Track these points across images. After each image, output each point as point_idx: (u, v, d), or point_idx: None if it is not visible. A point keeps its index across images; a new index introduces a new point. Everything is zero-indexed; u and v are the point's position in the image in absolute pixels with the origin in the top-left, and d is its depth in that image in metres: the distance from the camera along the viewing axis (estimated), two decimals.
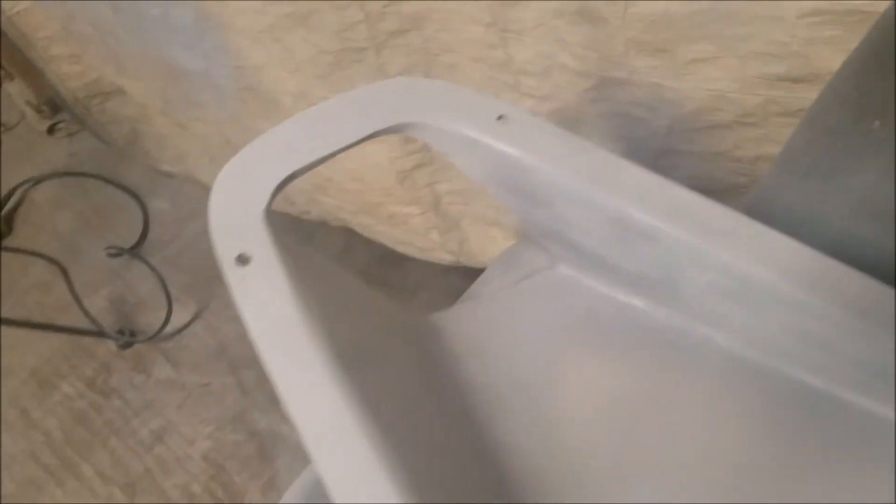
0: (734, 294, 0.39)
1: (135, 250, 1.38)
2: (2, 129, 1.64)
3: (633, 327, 0.47)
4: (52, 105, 1.60)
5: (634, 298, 0.47)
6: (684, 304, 0.44)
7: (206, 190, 1.22)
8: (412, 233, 0.99)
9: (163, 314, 1.34)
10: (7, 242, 1.49)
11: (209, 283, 1.42)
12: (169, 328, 1.35)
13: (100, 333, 1.29)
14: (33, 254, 1.24)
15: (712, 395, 0.44)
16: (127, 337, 1.32)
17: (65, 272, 1.28)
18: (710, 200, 0.39)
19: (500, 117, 0.40)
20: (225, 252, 0.36)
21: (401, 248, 1.11)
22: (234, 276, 0.36)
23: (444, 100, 0.40)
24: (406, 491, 0.31)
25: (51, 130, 1.62)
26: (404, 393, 0.41)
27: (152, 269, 1.32)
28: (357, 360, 0.37)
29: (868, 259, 0.39)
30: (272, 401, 1.25)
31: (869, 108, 0.40)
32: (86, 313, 1.32)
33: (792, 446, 0.42)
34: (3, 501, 1.25)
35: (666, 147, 0.64)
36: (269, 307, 0.35)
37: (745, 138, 0.61)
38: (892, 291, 0.36)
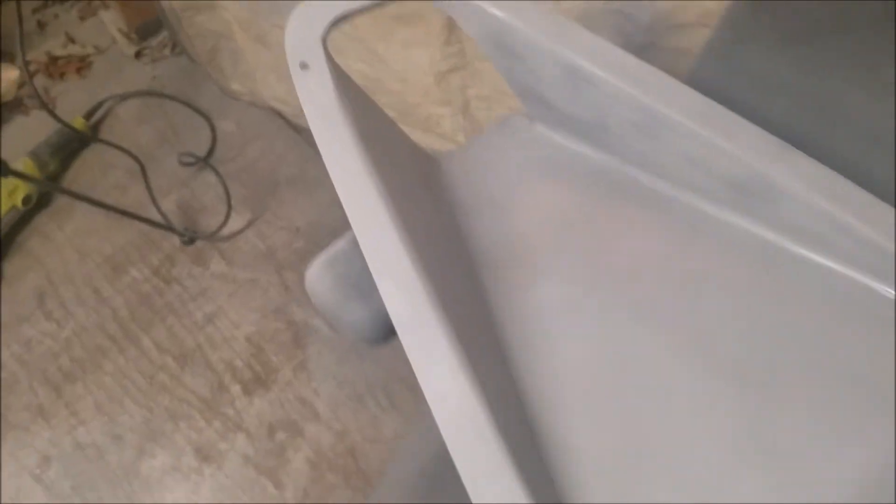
0: (646, 128, 0.55)
1: (207, 159, 1.58)
2: (94, 51, 1.84)
3: (580, 169, 0.63)
4: (141, 32, 1.81)
5: (583, 146, 0.63)
6: (614, 145, 0.60)
7: (269, 115, 1.42)
8: (441, 139, 1.15)
9: (222, 219, 1.54)
10: (93, 147, 1.70)
11: (263, 197, 1.61)
12: (226, 231, 1.54)
13: (169, 228, 1.49)
14: (120, 148, 1.44)
15: (634, 219, 0.60)
16: (190, 233, 1.51)
17: (143, 169, 1.48)
18: (642, 61, 0.55)
19: None
20: (293, 60, 0.54)
21: None
22: (297, 76, 0.53)
23: None
24: (409, 247, 0.47)
25: (137, 55, 1.82)
26: (410, 184, 0.58)
27: (219, 175, 1.52)
28: (377, 144, 0.54)
29: (755, 119, 0.55)
30: (308, 298, 1.44)
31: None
32: (158, 209, 1.52)
33: (688, 257, 0.58)
34: (73, 364, 1.46)
35: (647, 41, 0.79)
36: (319, 99, 0.53)
37: (703, 38, 0.75)
38: (754, 126, 0.52)
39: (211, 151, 1.63)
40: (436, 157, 0.66)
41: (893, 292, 0.51)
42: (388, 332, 0.59)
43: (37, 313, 1.52)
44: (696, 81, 0.57)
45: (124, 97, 1.74)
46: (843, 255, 0.52)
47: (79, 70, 1.83)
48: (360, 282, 0.59)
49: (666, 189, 0.59)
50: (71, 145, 1.67)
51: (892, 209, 0.49)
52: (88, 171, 1.69)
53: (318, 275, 0.60)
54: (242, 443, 1.34)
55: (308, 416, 1.35)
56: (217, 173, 1.55)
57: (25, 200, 1.56)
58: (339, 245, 0.61)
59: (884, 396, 0.48)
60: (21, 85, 1.80)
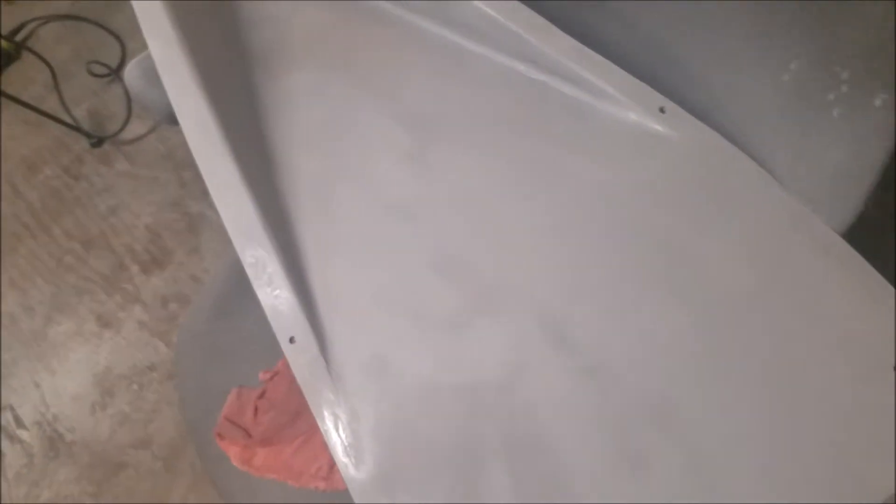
0: None
1: (118, 71, 1.76)
2: None
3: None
4: None
5: None
6: None
7: None
8: None
9: (129, 127, 1.72)
10: (16, 65, 1.87)
11: None
12: (130, 135, 1.73)
13: (78, 129, 1.67)
14: (40, 57, 1.63)
15: (372, 32, 0.81)
16: (98, 135, 1.70)
17: (54, 75, 1.66)
18: None
19: None
20: None
21: None
22: None
23: None
24: (175, 27, 0.68)
25: None
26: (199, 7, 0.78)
27: (123, 83, 1.70)
28: None
29: None
30: (203, 193, 1.63)
31: None
32: (69, 114, 1.70)
33: (401, 53, 0.79)
34: None
35: None
36: None
37: None
38: None
39: (121, 65, 1.81)
40: None
41: (525, 67, 0.73)
42: None
43: None
44: None
45: (46, 20, 1.91)
46: (497, 44, 0.74)
47: None
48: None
49: (394, 9, 0.80)
50: None
51: (529, 9, 0.71)
52: (10, 85, 1.85)
53: (131, 68, 0.80)
54: (139, 312, 1.53)
55: (198, 290, 1.54)
56: (123, 81, 1.73)
57: None
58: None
59: (504, 121, 0.70)
60: None
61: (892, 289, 0.60)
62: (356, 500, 0.56)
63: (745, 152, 0.67)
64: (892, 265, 0.63)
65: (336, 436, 0.58)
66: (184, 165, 1.69)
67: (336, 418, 0.58)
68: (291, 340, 0.60)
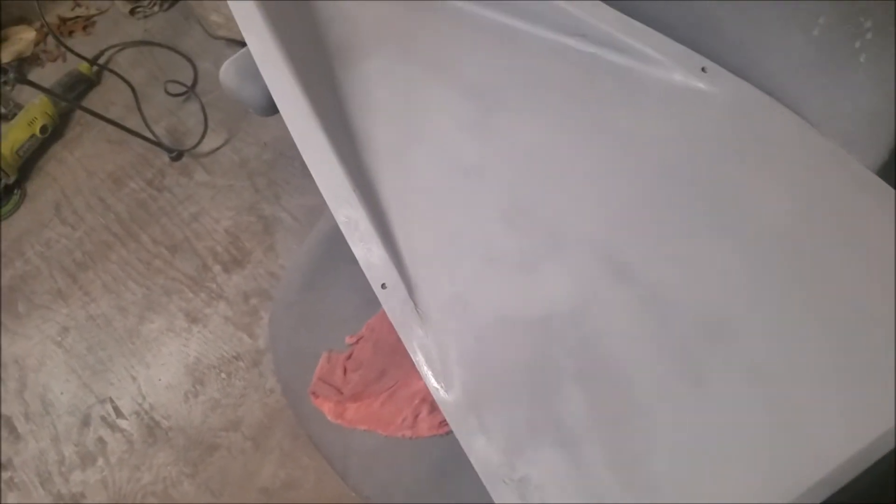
0: None
1: (192, 88, 1.90)
2: (97, 12, 2.17)
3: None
4: None
5: None
6: None
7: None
8: None
9: (204, 140, 1.85)
10: (96, 90, 2.02)
11: (237, 120, 1.92)
12: (206, 148, 1.86)
13: (159, 144, 1.81)
14: (123, 79, 1.77)
15: (428, 20, 0.90)
16: (178, 148, 1.83)
17: (136, 95, 1.80)
18: None
19: None
20: None
21: None
22: None
23: None
24: (269, 24, 0.78)
25: (132, 13, 2.15)
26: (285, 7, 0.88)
27: (200, 100, 1.84)
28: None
29: None
30: (276, 196, 1.75)
31: None
32: (151, 132, 1.84)
33: (455, 39, 0.87)
34: (85, 256, 1.78)
35: None
36: None
37: None
38: None
39: (195, 83, 1.95)
40: None
41: (575, 41, 0.81)
42: (271, 105, 0.90)
43: (54, 220, 1.84)
44: None
45: (122, 47, 2.06)
46: (547, 22, 0.82)
47: (84, 28, 2.16)
48: (253, 71, 0.89)
49: None
50: (79, 86, 1.99)
51: None
52: (93, 107, 2.00)
53: (226, 68, 0.91)
54: (223, 307, 1.65)
55: (276, 285, 1.65)
56: (199, 100, 1.87)
57: (42, 130, 1.88)
58: (244, 50, 0.92)
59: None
60: (37, 43, 2.13)
61: None
62: (448, 420, 0.64)
63: (781, 103, 0.73)
64: None
65: (427, 366, 0.66)
66: (256, 173, 1.81)
67: (426, 350, 0.66)
68: (383, 287, 0.68)
